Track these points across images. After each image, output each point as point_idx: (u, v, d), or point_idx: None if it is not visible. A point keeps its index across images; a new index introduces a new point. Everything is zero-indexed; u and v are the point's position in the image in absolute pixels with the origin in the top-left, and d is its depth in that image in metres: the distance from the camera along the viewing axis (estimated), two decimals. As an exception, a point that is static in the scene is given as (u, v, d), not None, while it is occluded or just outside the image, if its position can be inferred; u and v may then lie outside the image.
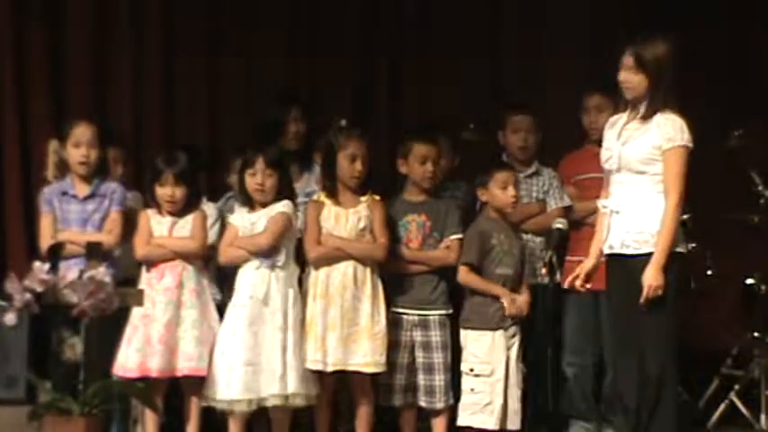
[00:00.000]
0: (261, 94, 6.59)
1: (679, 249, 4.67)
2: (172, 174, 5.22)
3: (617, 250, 4.73)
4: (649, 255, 4.60)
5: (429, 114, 6.70)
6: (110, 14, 6.48)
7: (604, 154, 4.82)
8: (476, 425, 5.16)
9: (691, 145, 4.65)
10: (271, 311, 5.12)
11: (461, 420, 5.20)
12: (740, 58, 6.78)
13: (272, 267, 5.15)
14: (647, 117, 4.69)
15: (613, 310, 4.91)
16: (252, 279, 5.16)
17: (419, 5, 6.90)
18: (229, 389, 5.07)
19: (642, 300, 4.56)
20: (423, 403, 5.29)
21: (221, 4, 6.69)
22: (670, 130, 4.64)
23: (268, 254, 5.16)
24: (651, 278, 4.56)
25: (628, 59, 4.69)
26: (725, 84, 6.74)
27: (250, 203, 5.25)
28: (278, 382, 5.04)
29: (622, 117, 4.81)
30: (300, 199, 5.48)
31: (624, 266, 4.73)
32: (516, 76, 6.93)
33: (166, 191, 5.24)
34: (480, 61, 6.91)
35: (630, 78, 4.69)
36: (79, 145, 5.25)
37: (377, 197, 5.36)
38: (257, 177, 5.18)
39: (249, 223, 5.22)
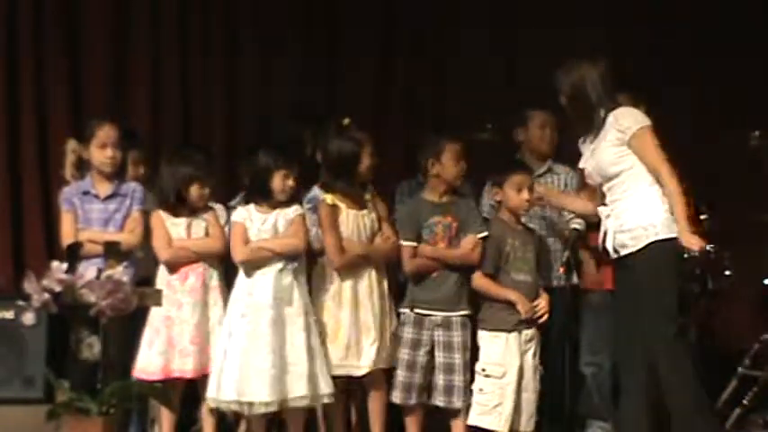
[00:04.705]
0: (278, 95, 6.60)
1: (672, 235, 4.72)
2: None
3: (619, 252, 4.77)
4: (646, 247, 4.68)
5: (443, 115, 6.72)
6: (127, 15, 6.49)
7: (587, 173, 4.96)
8: (483, 425, 5.17)
9: (648, 122, 4.77)
10: (295, 313, 5.12)
11: (470, 419, 5.21)
12: (760, 56, 6.76)
13: (294, 269, 5.17)
14: (599, 126, 4.83)
15: (620, 312, 4.93)
16: (275, 280, 5.14)
17: (436, 6, 6.90)
18: (258, 391, 5.03)
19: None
20: (440, 403, 5.27)
21: (238, 4, 6.70)
22: (623, 122, 4.77)
23: (294, 256, 5.18)
24: (687, 242, 4.64)
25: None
26: (745, 83, 6.71)
27: (260, 202, 5.24)
28: (307, 383, 5.05)
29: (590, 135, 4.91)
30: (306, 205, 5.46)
31: (625, 267, 4.76)
32: (530, 74, 6.91)
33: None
34: (495, 61, 6.90)
35: (565, 104, 4.95)
36: (105, 146, 5.26)
37: (374, 192, 5.38)
38: (290, 181, 5.19)
39: (269, 224, 5.20)
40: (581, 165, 4.97)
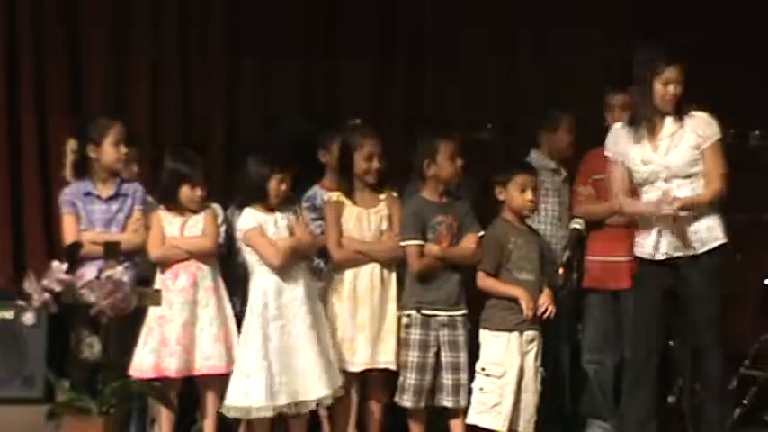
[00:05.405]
0: (278, 95, 6.60)
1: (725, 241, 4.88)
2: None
3: (672, 254, 4.81)
4: (706, 253, 4.79)
5: (443, 115, 6.72)
6: (128, 15, 6.49)
7: (643, 170, 4.92)
8: (482, 424, 5.16)
9: (721, 135, 4.88)
10: (320, 308, 5.19)
11: (470, 418, 5.20)
12: (759, 54, 6.76)
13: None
14: (678, 121, 4.86)
15: (653, 311, 4.95)
16: (305, 278, 5.17)
17: (436, 6, 6.90)
18: (311, 389, 5.05)
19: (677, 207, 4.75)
20: (448, 403, 5.24)
21: (239, 3, 6.69)
22: (705, 128, 4.86)
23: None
24: (677, 202, 4.75)
25: (678, 74, 4.84)
26: (745, 83, 6.71)
27: (256, 205, 5.23)
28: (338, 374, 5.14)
29: (638, 130, 4.86)
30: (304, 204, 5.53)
31: (670, 267, 4.77)
32: (530, 74, 6.92)
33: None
34: (495, 61, 6.90)
35: (681, 91, 4.86)
36: (119, 143, 5.27)
37: (394, 194, 5.39)
38: (285, 186, 5.21)
39: (284, 223, 5.21)
40: (644, 158, 4.93)
